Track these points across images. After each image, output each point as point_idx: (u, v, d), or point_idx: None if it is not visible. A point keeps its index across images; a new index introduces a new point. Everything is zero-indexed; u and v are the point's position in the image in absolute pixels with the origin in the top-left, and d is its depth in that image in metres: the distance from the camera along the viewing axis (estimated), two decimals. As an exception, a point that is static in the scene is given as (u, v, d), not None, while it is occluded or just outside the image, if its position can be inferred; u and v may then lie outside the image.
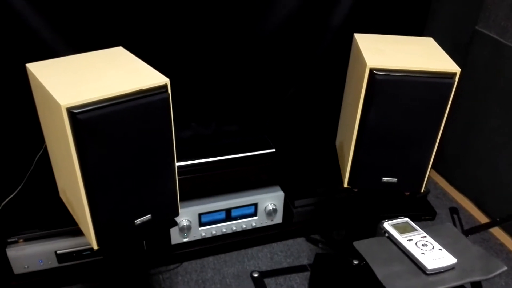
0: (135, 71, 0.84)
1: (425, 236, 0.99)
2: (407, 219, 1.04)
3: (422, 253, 0.93)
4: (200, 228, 1.40)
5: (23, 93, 0.98)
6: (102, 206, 0.80)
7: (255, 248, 1.50)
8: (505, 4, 1.46)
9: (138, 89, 0.78)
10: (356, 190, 1.13)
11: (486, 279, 0.89)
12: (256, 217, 1.46)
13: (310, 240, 1.52)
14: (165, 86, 0.81)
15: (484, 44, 1.56)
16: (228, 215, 1.42)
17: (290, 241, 1.54)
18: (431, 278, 0.90)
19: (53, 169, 0.97)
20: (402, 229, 1.00)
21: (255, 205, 1.44)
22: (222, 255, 1.47)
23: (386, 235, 1.01)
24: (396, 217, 1.06)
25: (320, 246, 1.45)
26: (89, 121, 0.73)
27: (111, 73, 0.83)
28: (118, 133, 0.76)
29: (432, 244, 0.96)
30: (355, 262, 0.99)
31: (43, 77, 0.80)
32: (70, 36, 1.14)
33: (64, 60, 0.88)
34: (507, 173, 1.52)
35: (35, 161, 1.17)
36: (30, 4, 1.07)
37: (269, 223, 1.50)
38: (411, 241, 0.97)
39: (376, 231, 1.18)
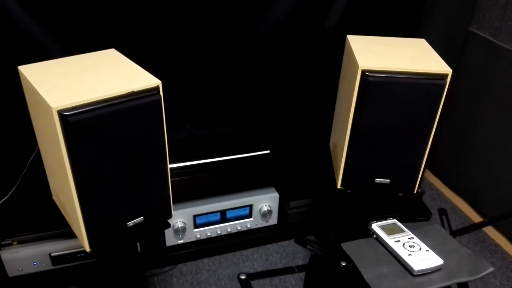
0: (127, 73, 0.84)
1: (413, 238, 0.99)
2: (395, 220, 1.04)
3: (409, 254, 0.94)
4: (195, 230, 1.40)
5: (16, 96, 0.98)
6: (94, 209, 0.80)
7: (250, 250, 1.50)
8: (499, 5, 1.46)
9: (129, 91, 0.78)
10: (349, 191, 1.13)
11: (473, 280, 0.89)
12: (251, 219, 1.46)
13: (299, 242, 1.52)
14: (157, 88, 0.81)
15: (478, 45, 1.56)
16: (223, 216, 1.42)
17: (285, 242, 1.54)
18: (417, 279, 0.90)
19: (46, 171, 0.97)
20: (390, 230, 1.01)
21: (250, 206, 1.44)
22: (217, 257, 1.47)
23: (374, 236, 1.02)
24: (391, 218, 1.06)
25: (309, 248, 1.45)
26: (80, 123, 0.73)
27: (103, 75, 0.83)
28: (110, 135, 0.76)
29: (419, 245, 0.96)
30: (343, 264, 0.99)
31: (34, 79, 0.80)
32: (63, 38, 1.14)
33: (56, 63, 0.88)
34: (502, 173, 1.52)
35: (28, 164, 1.17)
36: (22, 6, 1.07)
37: (264, 224, 1.50)
38: (399, 243, 0.97)
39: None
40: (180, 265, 1.43)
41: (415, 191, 1.07)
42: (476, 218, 1.67)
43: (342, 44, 1.21)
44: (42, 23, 1.11)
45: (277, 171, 1.42)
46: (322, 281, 1.28)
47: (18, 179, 1.19)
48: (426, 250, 0.95)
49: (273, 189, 1.48)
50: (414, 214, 1.64)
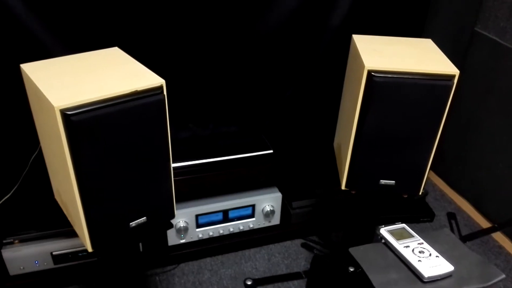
0: (130, 72, 0.83)
1: (422, 243, 0.97)
2: (404, 225, 1.03)
3: (419, 261, 0.92)
4: (197, 230, 1.39)
5: (19, 94, 0.97)
6: (96, 209, 0.79)
7: (252, 250, 1.50)
8: (505, 5, 1.45)
9: (133, 90, 0.77)
10: (354, 192, 1.12)
11: (484, 287, 0.88)
12: (253, 219, 1.45)
13: (305, 246, 1.50)
14: (160, 87, 0.80)
15: (483, 45, 1.55)
16: (226, 216, 1.41)
17: (288, 243, 1.53)
18: (428, 286, 0.88)
19: (48, 170, 0.96)
20: (399, 235, 0.99)
21: (253, 206, 1.43)
22: (219, 257, 1.46)
23: (383, 241, 1.00)
24: (394, 218, 1.05)
25: (316, 252, 1.44)
26: (83, 123, 0.72)
27: (106, 74, 0.82)
28: (113, 135, 0.76)
29: (429, 251, 0.95)
30: (351, 269, 0.98)
31: (37, 78, 0.80)
32: (66, 37, 1.14)
33: (58, 61, 0.87)
34: (506, 174, 1.51)
35: (30, 162, 1.16)
36: (25, 3, 1.06)
37: (267, 224, 1.49)
38: (408, 248, 0.95)
39: (374, 234, 1.17)
40: (182, 265, 1.43)
41: (420, 193, 1.06)
42: (480, 219, 1.66)
43: (346, 44, 1.20)
44: (45, 21, 1.10)
45: (280, 171, 1.41)
46: (324, 286, 1.27)
47: (20, 178, 1.18)
48: (436, 256, 0.93)
49: (276, 189, 1.47)
50: (417, 215, 1.63)
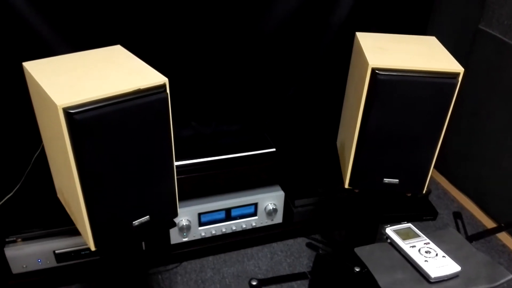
0: (133, 70, 0.82)
1: (429, 243, 0.96)
2: (409, 225, 1.02)
3: (426, 261, 0.91)
4: (200, 228, 1.39)
5: (21, 92, 0.97)
6: (99, 208, 0.79)
7: (255, 248, 1.50)
8: (509, 3, 1.44)
9: (136, 88, 0.76)
10: (357, 191, 1.12)
11: (491, 288, 0.87)
12: (256, 217, 1.45)
13: (309, 246, 1.50)
14: (163, 85, 0.79)
15: (487, 43, 1.54)
16: (228, 214, 1.41)
17: (290, 241, 1.53)
18: (434, 287, 0.88)
19: (50, 168, 0.96)
20: (405, 235, 0.98)
21: (255, 204, 1.43)
22: (222, 255, 1.46)
23: (388, 241, 0.99)
24: (397, 217, 1.04)
25: (321, 251, 1.44)
26: (86, 121, 0.71)
27: (108, 72, 0.81)
28: (116, 133, 0.75)
29: (435, 251, 0.94)
30: (357, 269, 0.97)
31: (39, 76, 0.79)
32: (68, 34, 1.13)
33: (61, 59, 0.87)
34: (509, 173, 1.51)
35: (32, 161, 1.16)
36: (28, 2, 1.06)
37: (269, 223, 1.49)
38: (414, 248, 0.94)
39: (377, 232, 1.17)
40: (184, 263, 1.42)
41: (423, 192, 1.05)
42: (483, 218, 1.65)
43: (349, 42, 1.19)
44: (47, 19, 1.10)
45: (283, 169, 1.41)
46: (328, 286, 1.26)
47: (22, 176, 1.18)
48: (443, 256, 0.92)
49: (278, 187, 1.47)
50: (420, 214, 1.62)
